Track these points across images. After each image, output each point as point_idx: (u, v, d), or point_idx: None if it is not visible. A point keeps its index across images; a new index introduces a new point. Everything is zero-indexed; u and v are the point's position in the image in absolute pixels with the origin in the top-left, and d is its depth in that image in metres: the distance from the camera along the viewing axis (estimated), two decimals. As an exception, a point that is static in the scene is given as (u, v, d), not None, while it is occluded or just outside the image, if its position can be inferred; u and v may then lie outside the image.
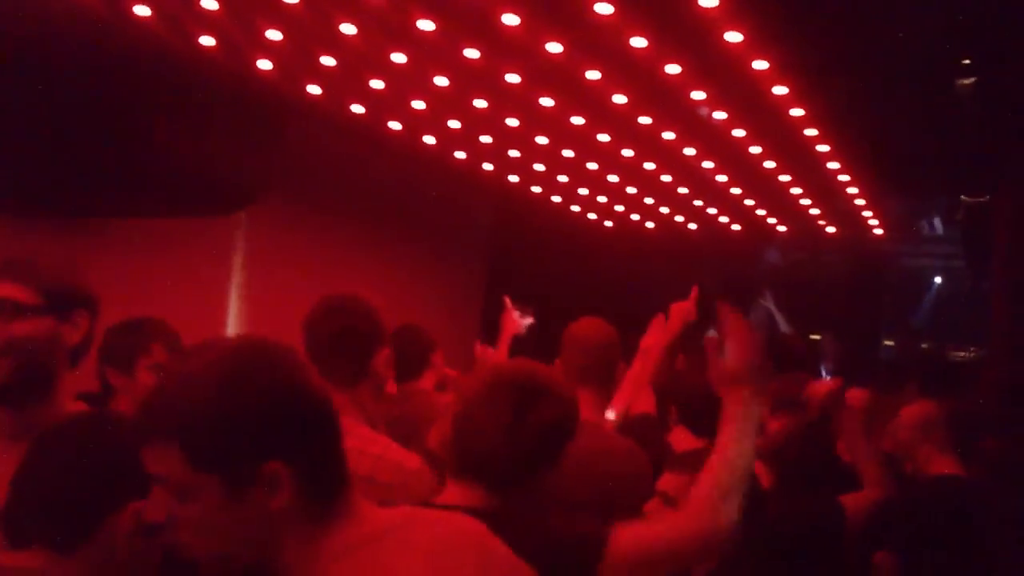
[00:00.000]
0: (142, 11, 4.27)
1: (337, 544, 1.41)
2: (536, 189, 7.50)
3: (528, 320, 4.69)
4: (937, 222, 9.27)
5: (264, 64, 4.90)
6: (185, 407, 1.36)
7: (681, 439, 3.64)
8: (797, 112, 5.15)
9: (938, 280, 11.41)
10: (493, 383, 2.08)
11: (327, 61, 4.83)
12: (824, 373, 8.23)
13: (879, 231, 8.46)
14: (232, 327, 6.37)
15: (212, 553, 1.39)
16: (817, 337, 8.49)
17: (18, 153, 4.57)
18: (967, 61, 4.80)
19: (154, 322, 3.28)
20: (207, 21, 4.39)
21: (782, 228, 8.51)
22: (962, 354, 9.84)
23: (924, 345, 10.52)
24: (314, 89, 5.28)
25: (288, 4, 4.14)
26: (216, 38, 4.58)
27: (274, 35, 4.51)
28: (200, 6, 4.20)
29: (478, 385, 2.10)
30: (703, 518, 1.96)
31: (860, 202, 7.32)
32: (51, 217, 5.24)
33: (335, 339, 2.59)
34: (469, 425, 2.06)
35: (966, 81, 4.95)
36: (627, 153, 6.24)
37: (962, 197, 7.09)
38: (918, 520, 3.46)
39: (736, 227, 8.55)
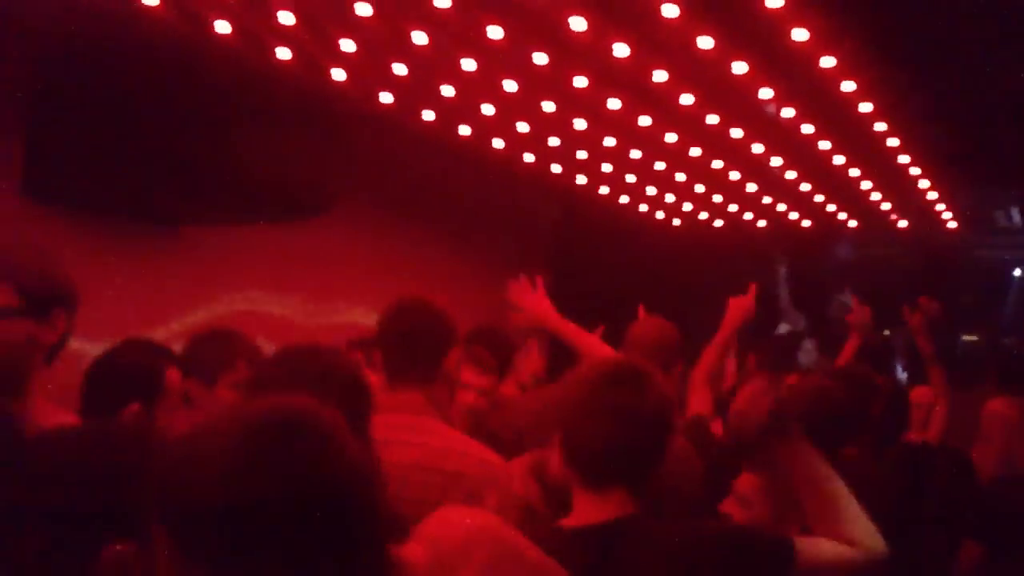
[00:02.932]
0: (222, 27, 4.43)
1: None
2: (604, 190, 7.55)
3: None
4: (1015, 212, 9.09)
5: (338, 74, 5.04)
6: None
7: None
8: (866, 107, 5.15)
9: (1018, 272, 11.15)
10: (594, 386, 2.03)
11: (399, 70, 4.95)
12: (899, 369, 8.13)
13: (952, 224, 8.34)
14: (303, 333, 6.54)
15: None
16: (889, 333, 8.39)
17: (100, 160, 4.77)
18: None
19: (241, 337, 3.17)
20: (284, 34, 4.54)
21: (852, 223, 8.43)
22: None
23: (1007, 340, 10.28)
24: (386, 97, 5.41)
25: (361, 16, 4.27)
26: (292, 51, 4.73)
27: (348, 46, 4.64)
28: (277, 21, 4.35)
29: (579, 391, 2.04)
30: (865, 548, 1.99)
31: (932, 195, 7.24)
32: (130, 223, 5.44)
33: (407, 338, 2.62)
34: (582, 431, 1.98)
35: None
36: (695, 152, 6.27)
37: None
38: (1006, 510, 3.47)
39: (806, 223, 8.49)
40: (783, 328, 10.14)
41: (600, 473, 1.99)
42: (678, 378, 3.46)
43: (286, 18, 4.33)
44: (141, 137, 4.74)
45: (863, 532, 2.01)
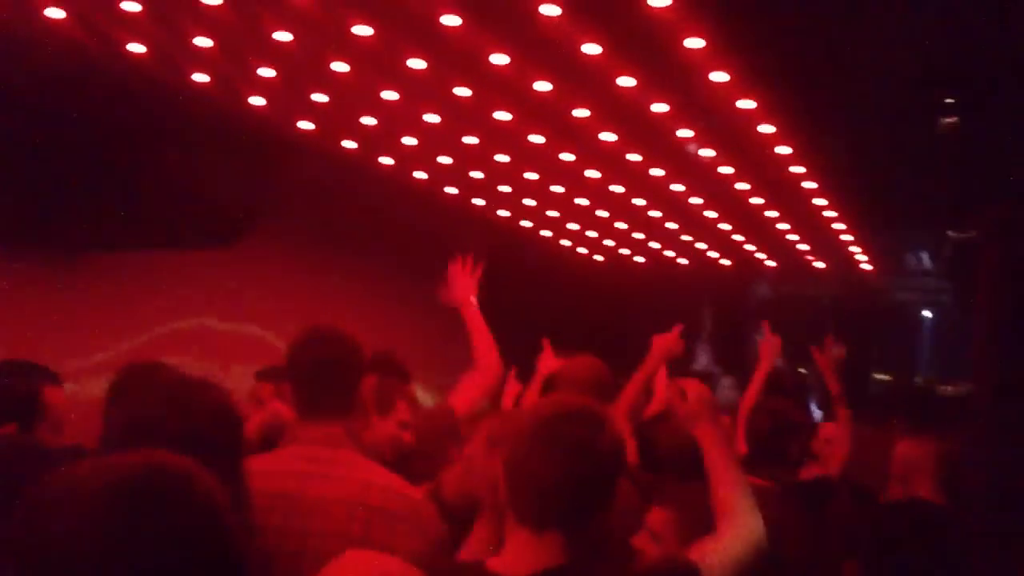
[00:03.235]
0: (136, 48, 4.32)
1: None
2: (526, 223, 7.55)
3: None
4: (925, 256, 9.33)
5: (257, 100, 4.95)
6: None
7: None
8: (784, 150, 5.22)
9: (928, 314, 11.45)
10: (549, 419, 1.97)
11: (319, 98, 4.88)
12: (812, 406, 8.23)
13: (867, 266, 8.52)
14: (225, 356, 6.39)
15: None
16: (804, 371, 8.51)
17: (13, 186, 4.61)
18: (949, 100, 4.87)
19: (167, 368, 3.09)
20: (201, 58, 4.44)
21: (771, 263, 8.57)
22: (952, 390, 9.83)
23: (918, 380, 10.54)
24: (307, 125, 5.33)
25: (281, 42, 4.20)
26: (210, 75, 4.64)
27: (267, 72, 4.56)
28: (194, 44, 4.25)
29: (532, 424, 1.98)
30: (752, 529, 2.22)
31: (847, 238, 7.39)
32: (43, 249, 5.27)
33: (320, 370, 2.55)
34: (531, 464, 1.92)
35: (948, 119, 5.01)
36: (616, 189, 6.30)
37: (948, 233, 7.15)
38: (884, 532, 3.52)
39: (726, 262, 8.60)
40: (701, 363, 10.24)
41: (544, 512, 1.91)
42: None
43: (203, 42, 4.24)
44: (49, 161, 4.60)
45: (749, 508, 2.26)
